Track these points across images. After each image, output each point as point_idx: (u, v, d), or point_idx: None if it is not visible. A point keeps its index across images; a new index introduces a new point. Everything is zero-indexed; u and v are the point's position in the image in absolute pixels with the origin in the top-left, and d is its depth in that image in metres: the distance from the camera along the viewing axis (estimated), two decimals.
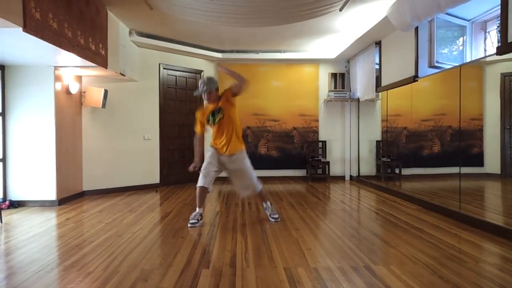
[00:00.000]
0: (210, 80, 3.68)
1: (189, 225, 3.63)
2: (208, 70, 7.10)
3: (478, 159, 4.79)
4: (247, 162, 3.76)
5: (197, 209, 3.74)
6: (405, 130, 5.79)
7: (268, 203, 3.96)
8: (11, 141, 4.72)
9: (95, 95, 5.34)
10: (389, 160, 6.41)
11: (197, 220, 3.68)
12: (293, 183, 6.90)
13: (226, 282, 2.25)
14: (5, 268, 2.54)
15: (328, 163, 7.19)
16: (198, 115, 3.83)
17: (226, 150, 3.66)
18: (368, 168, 7.12)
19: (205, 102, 4.03)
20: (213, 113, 3.68)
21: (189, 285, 2.20)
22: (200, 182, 3.67)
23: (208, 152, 3.78)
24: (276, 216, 3.87)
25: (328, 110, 7.45)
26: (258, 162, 6.40)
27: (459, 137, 4.48)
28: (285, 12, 4.57)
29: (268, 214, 3.91)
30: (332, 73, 7.41)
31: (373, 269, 2.45)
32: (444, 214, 4.03)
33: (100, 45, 4.48)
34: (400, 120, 5.85)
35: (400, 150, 6.12)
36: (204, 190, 3.69)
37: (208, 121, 3.73)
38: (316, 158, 7.27)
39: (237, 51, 6.88)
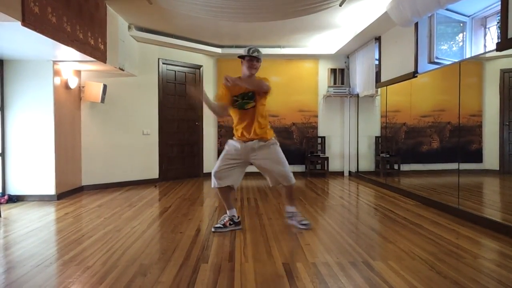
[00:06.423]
0: (259, 50, 3.09)
1: (212, 229, 3.23)
2: (208, 65, 7.09)
3: (477, 155, 4.79)
4: (281, 152, 3.18)
5: (228, 211, 3.31)
6: (404, 126, 5.79)
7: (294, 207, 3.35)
8: (10, 135, 4.70)
9: (94, 89, 5.33)
10: (388, 156, 6.42)
11: (224, 224, 3.22)
12: None
13: (225, 277, 2.25)
14: (4, 262, 2.55)
15: (327, 158, 7.20)
16: (223, 89, 3.06)
17: (255, 135, 3.08)
18: (367, 164, 7.13)
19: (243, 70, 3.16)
20: (243, 97, 3.05)
21: (188, 280, 2.21)
22: (216, 183, 3.15)
23: (226, 148, 3.20)
24: (306, 222, 3.31)
25: (328, 106, 7.44)
26: None
27: (458, 133, 4.49)
28: (284, 7, 4.55)
29: (296, 221, 3.31)
30: (331, 69, 7.40)
31: (371, 264, 2.45)
32: (442, 210, 4.04)
33: (99, 40, 4.46)
34: (399, 116, 5.85)
35: (399, 146, 6.12)
36: (224, 190, 3.20)
37: (234, 103, 3.07)
38: (315, 154, 7.27)
39: (237, 46, 6.84)
